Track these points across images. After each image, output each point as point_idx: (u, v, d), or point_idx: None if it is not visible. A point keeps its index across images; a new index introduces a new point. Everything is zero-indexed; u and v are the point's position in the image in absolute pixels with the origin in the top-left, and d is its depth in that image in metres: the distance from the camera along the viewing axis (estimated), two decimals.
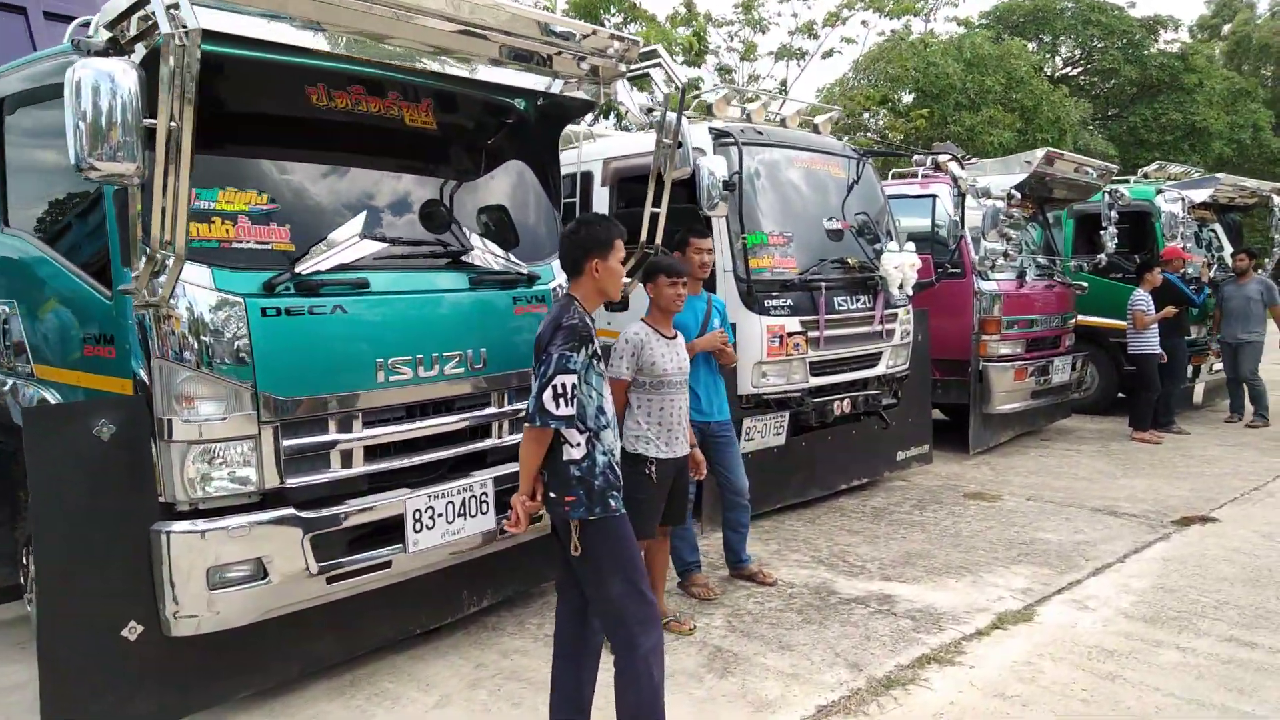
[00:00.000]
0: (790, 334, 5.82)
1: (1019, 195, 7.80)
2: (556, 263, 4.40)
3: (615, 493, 2.89)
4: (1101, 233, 9.51)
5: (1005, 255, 7.86)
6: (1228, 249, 11.15)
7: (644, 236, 4.48)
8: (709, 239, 4.54)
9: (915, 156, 8.55)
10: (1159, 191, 10.01)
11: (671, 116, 4.28)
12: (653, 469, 3.84)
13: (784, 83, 17.07)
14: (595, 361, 2.86)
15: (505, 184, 4.40)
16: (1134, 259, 9.95)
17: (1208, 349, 10.28)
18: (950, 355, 8.17)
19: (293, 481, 3.35)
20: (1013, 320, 8.27)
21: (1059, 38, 28.44)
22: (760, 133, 6.14)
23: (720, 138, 5.81)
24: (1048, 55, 29.21)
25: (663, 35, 12.91)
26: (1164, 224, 9.77)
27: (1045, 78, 22.16)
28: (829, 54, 16.97)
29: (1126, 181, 10.84)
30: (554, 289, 4.36)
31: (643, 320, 3.94)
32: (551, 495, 2.85)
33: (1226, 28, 38.88)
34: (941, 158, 7.44)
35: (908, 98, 20.02)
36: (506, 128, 4.37)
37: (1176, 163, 11.93)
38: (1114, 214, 9.42)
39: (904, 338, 6.87)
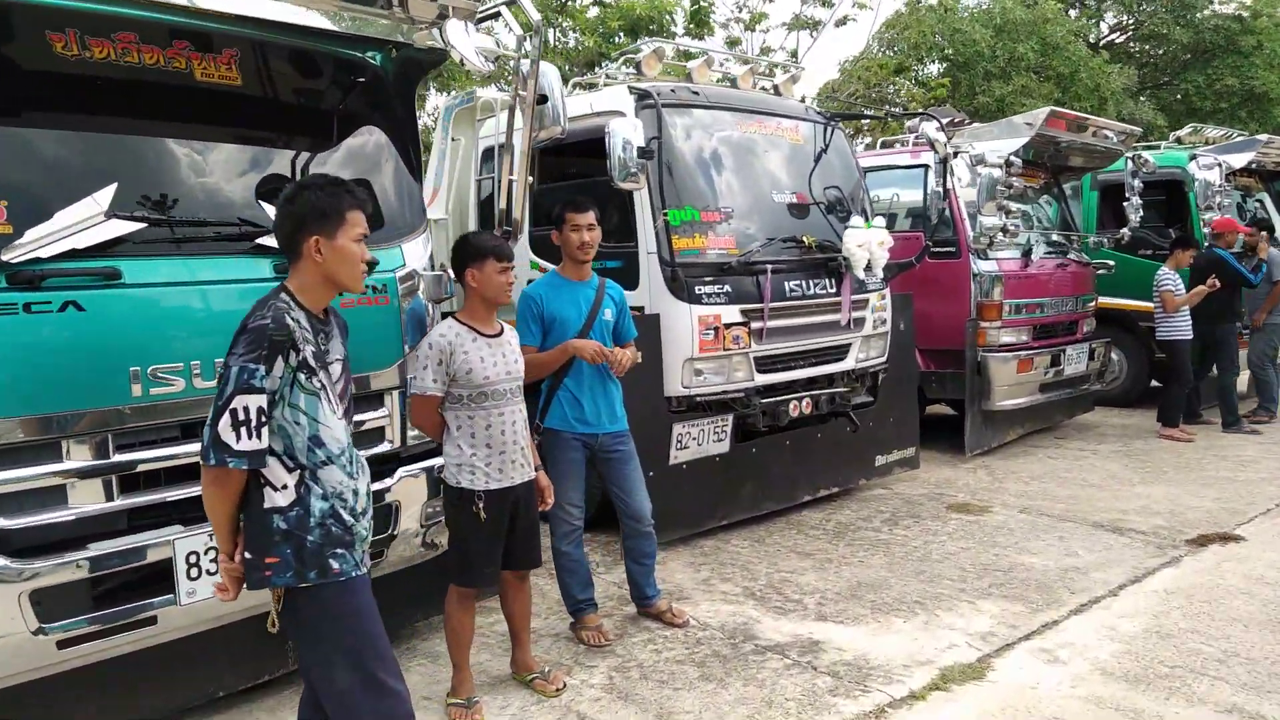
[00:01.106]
0: (729, 325, 5.02)
1: (1019, 162, 6.86)
2: (412, 244, 3.71)
3: (342, 551, 2.17)
4: (1125, 204, 8.48)
5: (1004, 231, 6.92)
6: (1278, 221, 9.97)
7: (500, 211, 3.73)
8: (590, 213, 3.77)
9: (909, 122, 7.64)
10: (1193, 157, 8.93)
11: (526, 65, 3.52)
12: (481, 505, 3.13)
13: (794, 53, 16.06)
14: (305, 376, 2.13)
15: (335, 152, 3.66)
16: (1168, 233, 8.90)
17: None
18: (947, 345, 7.28)
19: (6, 523, 2.69)
20: (1017, 304, 7.33)
21: (1104, 2, 26.76)
22: (696, 93, 5.32)
23: (643, 99, 5.01)
24: (1091, 22, 27.56)
25: (654, 4, 12.05)
26: (1198, 193, 8.70)
27: (1086, 44, 20.70)
28: (842, 22, 15.89)
29: (1157, 148, 9.74)
30: (402, 276, 3.65)
31: (454, 317, 3.21)
32: (248, 556, 2.13)
33: None
34: (926, 125, 6.51)
35: (933, 68, 18.83)
36: (332, 82, 3.65)
37: (1221, 127, 10.75)
38: (1138, 183, 8.37)
39: (879, 326, 6.02)
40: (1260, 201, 10.10)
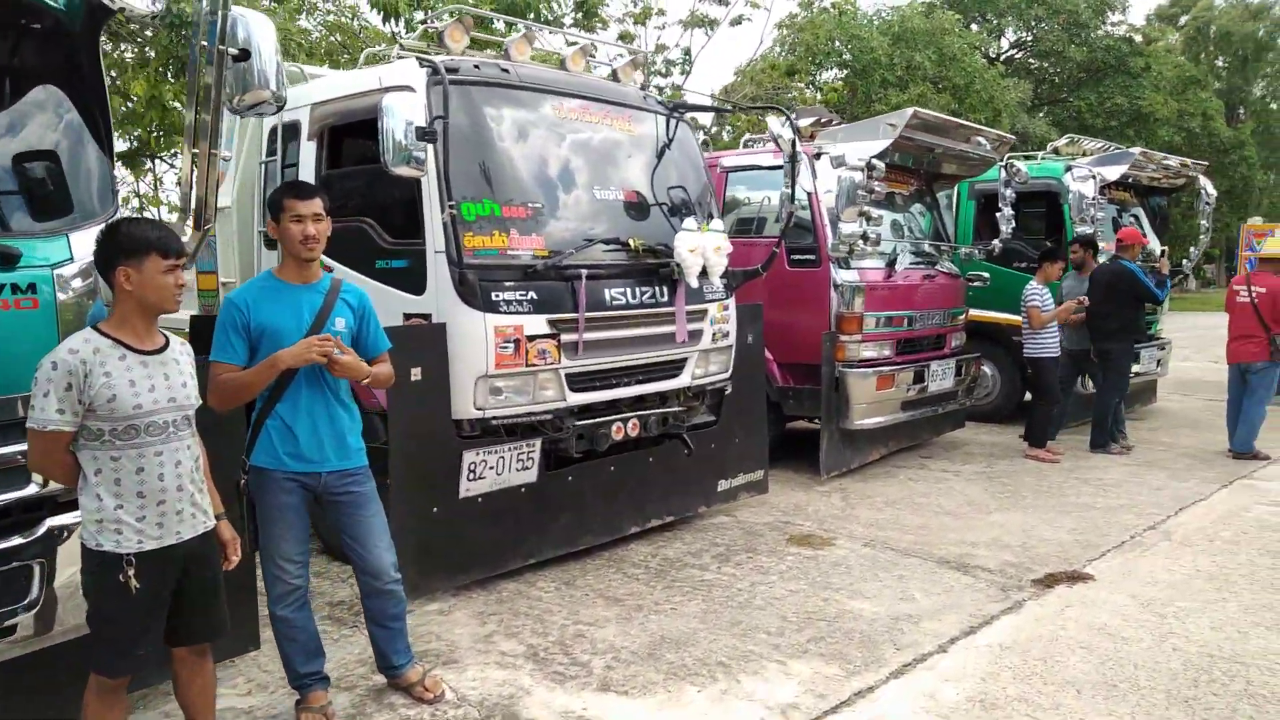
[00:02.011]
0: (533, 337, 4.37)
1: (881, 166, 6.41)
2: (87, 234, 2.94)
3: None
4: (997, 214, 8.19)
5: (865, 238, 6.47)
6: (1152, 238, 9.88)
7: (182, 195, 3.00)
8: (315, 200, 3.07)
9: (771, 116, 7.14)
10: (1068, 168, 8.72)
11: (206, 5, 2.79)
12: (131, 572, 2.40)
13: (688, 52, 15.59)
14: None
15: None
16: (1045, 245, 8.65)
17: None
18: (806, 359, 6.79)
19: None
20: (879, 317, 6.91)
21: (1004, 18, 27.27)
22: (506, 71, 4.66)
23: (435, 73, 4.32)
24: (992, 36, 28.08)
25: None
26: (1072, 205, 8.48)
27: (983, 55, 20.87)
28: (738, 21, 15.47)
29: (1034, 158, 9.54)
30: (69, 274, 2.89)
31: (95, 329, 2.47)
32: None
33: (1184, 18, 38.20)
34: (770, 118, 5.98)
35: (829, 74, 18.65)
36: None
37: (1099, 140, 10.67)
38: (1010, 193, 8.09)
39: (720, 340, 5.47)
40: (1135, 216, 10.00)
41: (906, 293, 7.15)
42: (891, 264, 7.01)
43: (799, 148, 5.61)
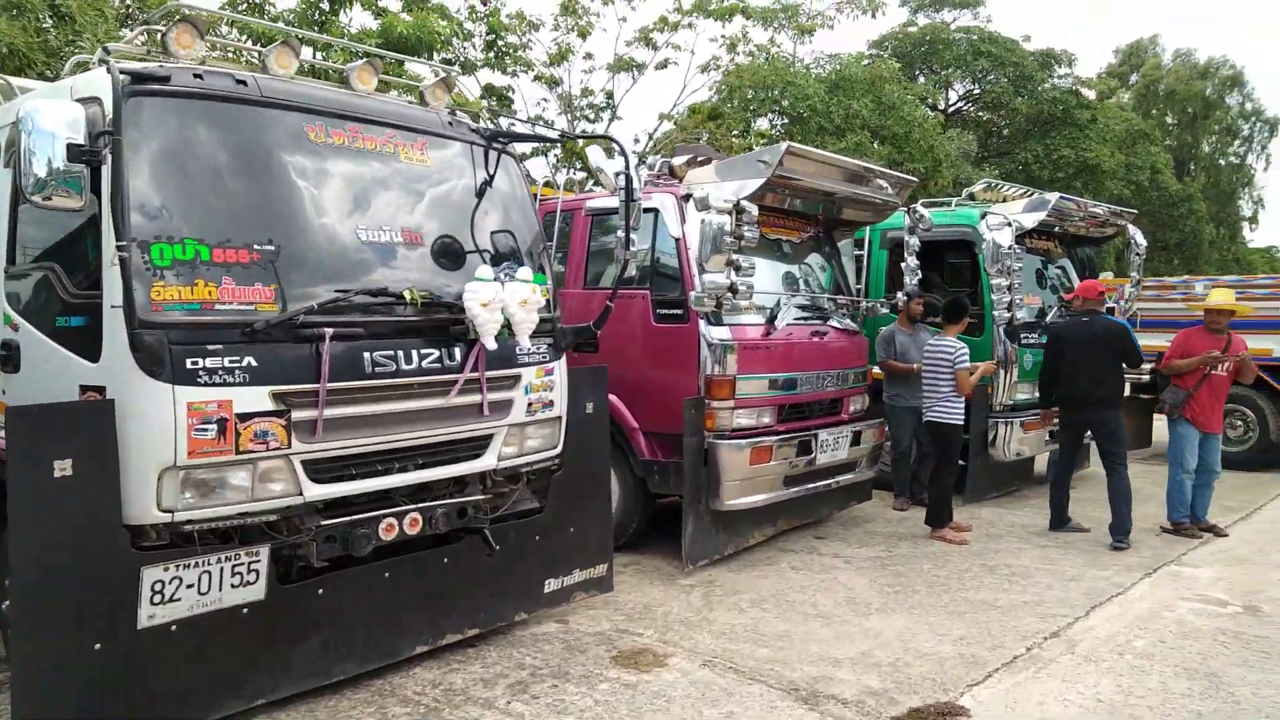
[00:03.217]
0: (248, 416, 3.43)
1: (753, 209, 5.59)
2: None
3: None
4: (901, 265, 7.44)
5: (733, 290, 5.61)
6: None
7: None
8: None
9: (593, 148, 6.31)
10: (984, 215, 8.01)
11: None
12: None
13: (610, 95, 14.97)
14: None
15: None
16: (952, 298, 7.88)
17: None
18: (677, 428, 5.86)
19: None
20: (756, 380, 6.04)
21: (950, 69, 27.16)
22: (244, 83, 3.76)
23: (135, 82, 3.41)
24: (940, 89, 27.97)
25: (423, 27, 10.51)
26: (986, 255, 7.75)
27: (920, 103, 20.49)
28: (663, 65, 14.91)
29: (948, 204, 8.85)
30: None
31: None
32: None
33: (1134, 76, 38.72)
34: (591, 149, 5.15)
35: (764, 122, 18.11)
36: None
37: (1016, 184, 10.04)
38: (915, 240, 7.37)
39: (541, 411, 4.56)
40: (1061, 268, 9.32)
41: (790, 352, 6.29)
42: (772, 319, 6.16)
43: (634, 183, 4.77)
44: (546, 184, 6.93)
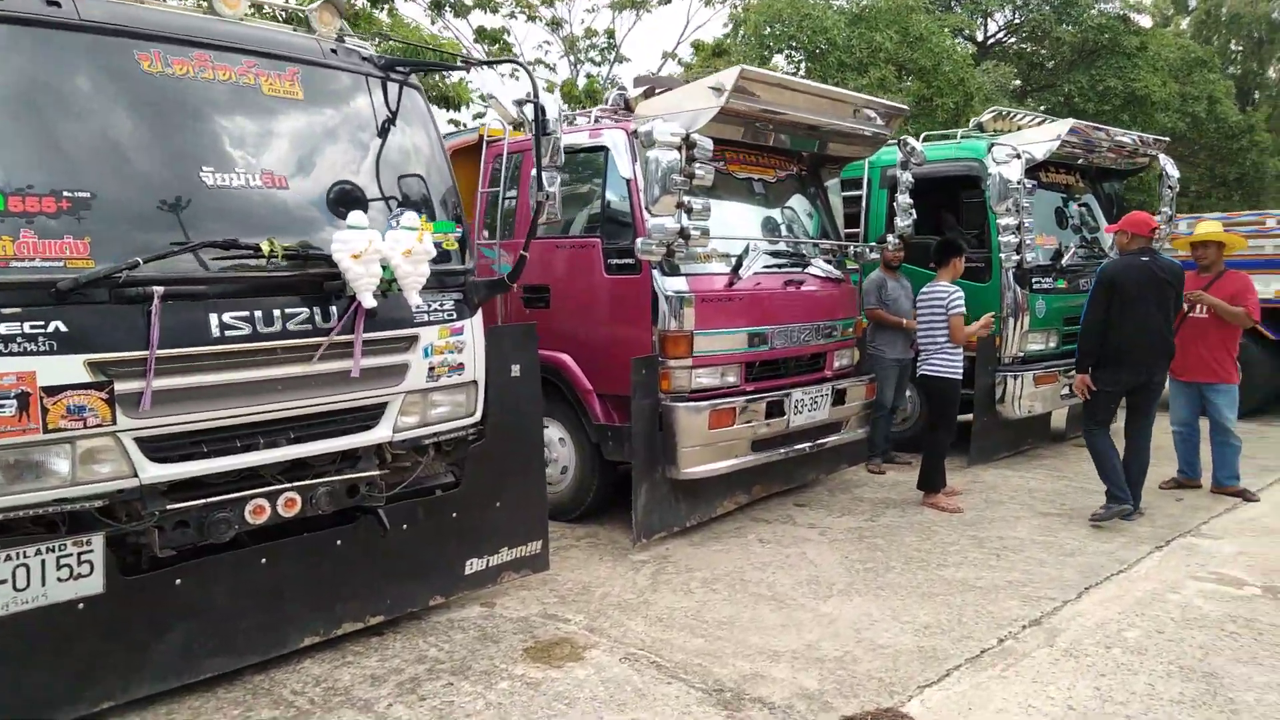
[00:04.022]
0: (56, 389, 2.98)
1: (707, 143, 4.96)
2: None
3: None
4: (894, 203, 6.73)
5: (684, 236, 5.01)
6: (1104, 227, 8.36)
7: None
8: None
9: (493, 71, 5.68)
10: (991, 147, 7.24)
11: None
12: None
13: (611, 35, 14.20)
14: None
15: None
16: (944, 237, 7.15)
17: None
18: (629, 390, 5.35)
19: None
20: (717, 335, 5.46)
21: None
22: (57, 4, 3.23)
23: None
24: (978, 19, 26.41)
25: None
26: (992, 191, 7.00)
27: (956, 35, 19.24)
28: (667, 0, 14.08)
29: (953, 136, 8.05)
30: None
31: None
32: None
33: (1194, 2, 36.32)
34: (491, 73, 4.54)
35: (780, 58, 17.10)
36: None
37: (1030, 111, 9.15)
38: (908, 176, 6.65)
39: (447, 375, 4.06)
40: (1085, 205, 8.48)
41: (759, 303, 5.68)
42: (737, 268, 5.55)
43: (546, 114, 4.16)
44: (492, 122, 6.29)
